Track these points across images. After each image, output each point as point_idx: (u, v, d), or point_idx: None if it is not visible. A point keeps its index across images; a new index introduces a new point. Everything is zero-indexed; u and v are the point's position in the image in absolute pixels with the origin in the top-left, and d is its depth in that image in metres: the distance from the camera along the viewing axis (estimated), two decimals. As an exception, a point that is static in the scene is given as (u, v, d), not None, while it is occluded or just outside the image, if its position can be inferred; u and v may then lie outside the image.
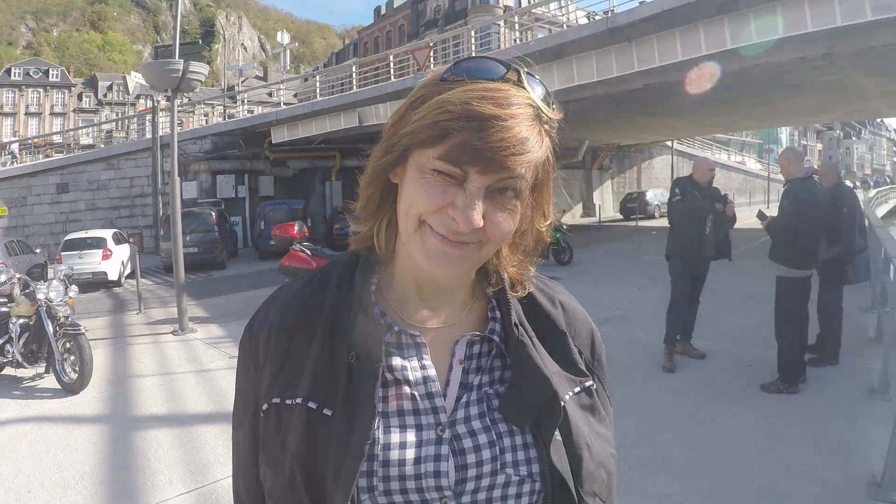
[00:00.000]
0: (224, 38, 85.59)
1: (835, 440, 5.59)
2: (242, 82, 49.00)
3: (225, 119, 36.01)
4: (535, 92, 0.97)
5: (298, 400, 0.99)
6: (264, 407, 1.03)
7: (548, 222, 1.08)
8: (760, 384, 6.83)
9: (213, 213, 22.64)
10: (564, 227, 17.94)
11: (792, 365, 6.79)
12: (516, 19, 34.16)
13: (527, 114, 0.93)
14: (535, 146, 0.93)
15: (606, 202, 40.73)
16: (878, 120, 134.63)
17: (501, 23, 39.41)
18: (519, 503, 1.02)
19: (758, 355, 7.61)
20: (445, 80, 0.96)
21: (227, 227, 24.51)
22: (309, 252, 11.99)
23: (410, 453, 0.98)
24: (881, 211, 47.62)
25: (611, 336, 9.01)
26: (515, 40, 33.35)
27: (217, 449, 5.82)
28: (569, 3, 32.44)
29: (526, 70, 0.99)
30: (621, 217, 39.20)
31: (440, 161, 0.92)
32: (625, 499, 4.29)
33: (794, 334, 6.80)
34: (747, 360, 7.76)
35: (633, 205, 38.73)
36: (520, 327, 1.08)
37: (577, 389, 1.10)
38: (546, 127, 0.98)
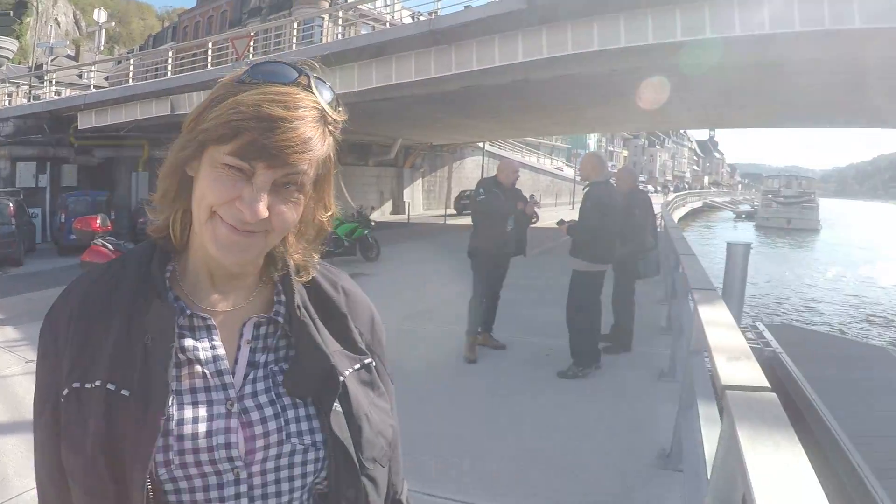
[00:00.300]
0: (37, 12, 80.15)
1: (628, 419, 6.04)
2: (52, 61, 46.00)
3: (30, 100, 33.74)
4: (323, 96, 1.07)
5: (98, 383, 1.03)
6: (65, 392, 1.05)
7: (329, 213, 1.18)
8: (557, 371, 7.23)
9: (11, 204, 20.52)
10: (373, 223, 18.00)
11: (585, 351, 7.26)
12: (340, 14, 33.97)
13: (312, 116, 1.03)
14: (317, 145, 1.04)
15: (416, 200, 41.10)
16: (682, 131, 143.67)
17: (326, 16, 39.13)
18: (305, 470, 1.11)
19: (555, 344, 7.93)
20: (242, 82, 1.04)
21: (25, 220, 22.43)
22: (111, 247, 11.34)
23: (202, 427, 1.05)
24: (679, 213, 50.94)
25: (415, 330, 9.21)
26: (338, 35, 33.14)
27: (17, 460, 5.35)
28: (395, 1, 32.54)
29: (316, 75, 1.08)
30: (455, 212, 39.82)
31: (231, 157, 0.99)
32: (428, 485, 4.38)
33: (587, 323, 7.28)
34: (545, 350, 8.15)
35: (466, 201, 39.62)
36: (302, 309, 1.16)
37: (357, 366, 1.20)
38: (330, 128, 1.08)
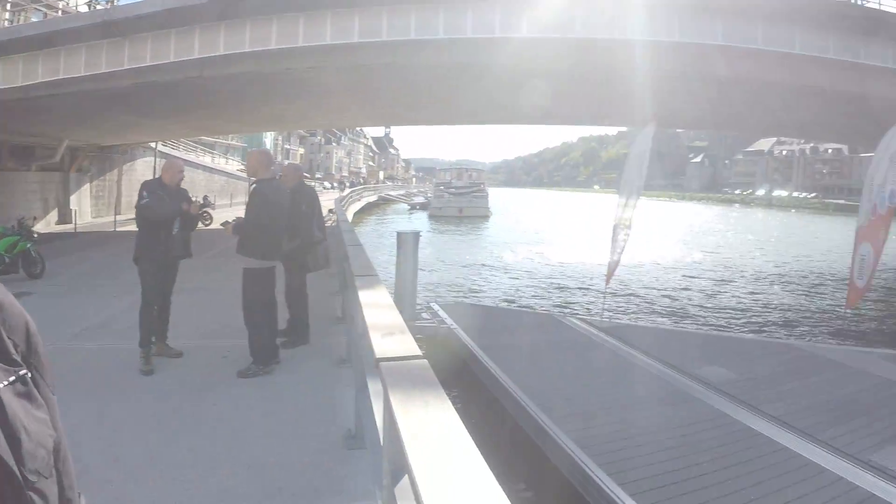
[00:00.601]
0: None
1: (313, 408, 6.26)
2: None
3: None
4: None
5: None
6: None
7: None
8: (238, 371, 7.18)
9: None
10: (36, 235, 16.07)
11: (264, 348, 7.31)
12: (10, -2, 31.01)
13: None
14: None
15: (84, 207, 36.85)
16: (358, 128, 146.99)
17: (-8, -1, 35.24)
18: None
19: (234, 345, 7.85)
20: None
21: None
22: None
23: None
24: (355, 208, 52.35)
25: (87, 348, 8.60)
26: (6, 22, 30.03)
27: None
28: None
29: None
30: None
31: None
32: (113, 501, 4.24)
33: (263, 320, 7.36)
34: (223, 352, 8.03)
35: None
36: None
37: (12, 378, 1.14)
38: None
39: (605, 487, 6.20)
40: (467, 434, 1.93)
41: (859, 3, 22.50)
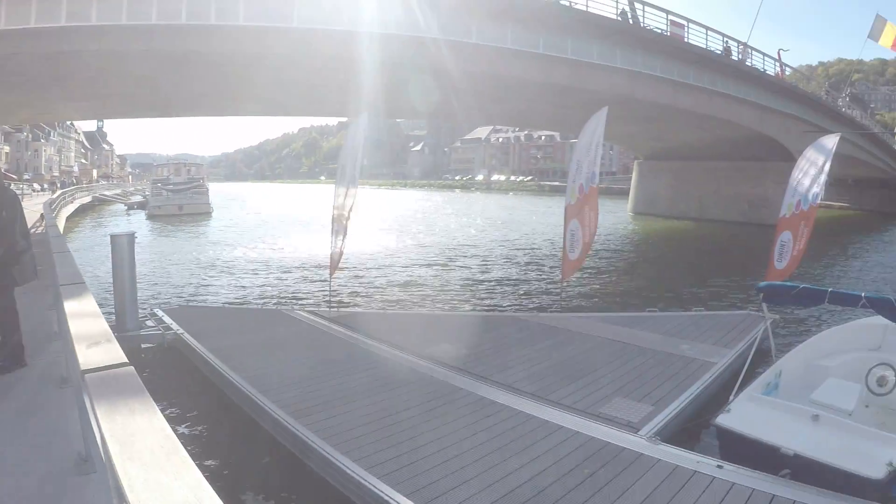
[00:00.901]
0: None
1: (39, 435, 5.70)
2: None
3: None
4: None
5: None
6: None
7: None
8: None
9: None
10: None
11: None
12: None
13: None
14: None
15: None
16: (69, 123, 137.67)
17: None
18: None
19: None
20: None
21: None
22: None
23: None
24: (68, 211, 49.06)
25: None
26: None
27: None
28: None
29: None
30: None
31: None
32: None
33: None
34: None
35: None
36: None
37: None
38: None
39: (357, 476, 6.25)
40: (176, 439, 1.96)
41: (565, 3, 24.21)
